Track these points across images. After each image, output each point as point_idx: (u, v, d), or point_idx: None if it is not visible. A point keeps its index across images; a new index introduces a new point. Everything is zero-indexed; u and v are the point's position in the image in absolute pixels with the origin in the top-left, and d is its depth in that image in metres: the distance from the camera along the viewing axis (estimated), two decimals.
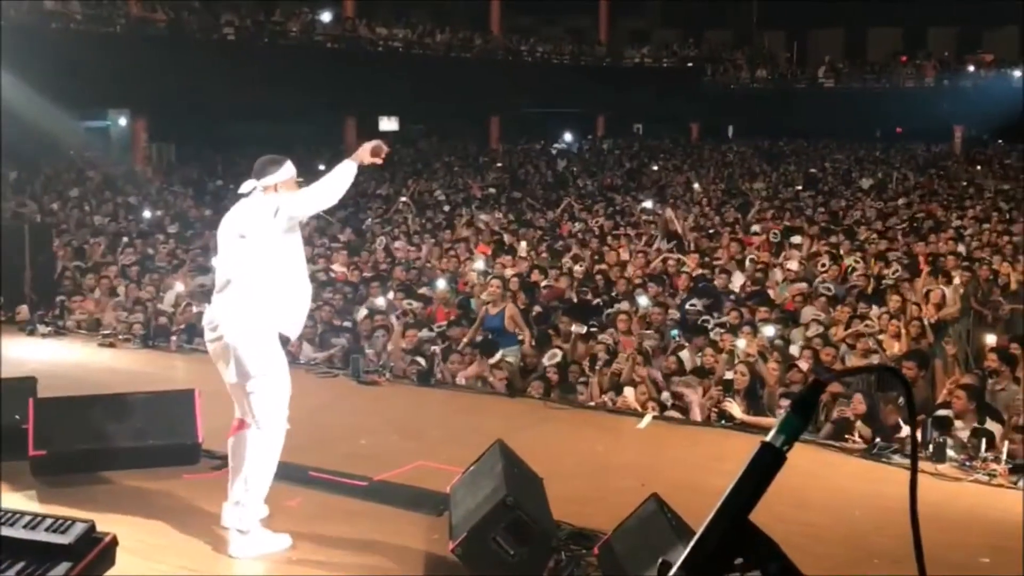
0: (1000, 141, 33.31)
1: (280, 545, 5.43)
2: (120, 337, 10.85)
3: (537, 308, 11.86)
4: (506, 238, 16.73)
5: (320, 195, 5.42)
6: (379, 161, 5.60)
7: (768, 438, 1.56)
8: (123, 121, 29.81)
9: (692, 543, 1.52)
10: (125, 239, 16.44)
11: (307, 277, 5.68)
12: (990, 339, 10.24)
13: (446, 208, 21.29)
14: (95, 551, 3.25)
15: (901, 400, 8.40)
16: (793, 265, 13.97)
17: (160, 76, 24.76)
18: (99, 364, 9.98)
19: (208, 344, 5.57)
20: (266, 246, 5.31)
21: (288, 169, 5.49)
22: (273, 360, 5.40)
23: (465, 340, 10.76)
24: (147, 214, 19.24)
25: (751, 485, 1.54)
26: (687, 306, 11.61)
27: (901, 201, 21.47)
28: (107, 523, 3.64)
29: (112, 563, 3.37)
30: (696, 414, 8.62)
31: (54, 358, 9.92)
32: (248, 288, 5.32)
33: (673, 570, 1.49)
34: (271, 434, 5.39)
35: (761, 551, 1.53)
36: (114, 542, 3.34)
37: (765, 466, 1.55)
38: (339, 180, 5.40)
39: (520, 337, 10.84)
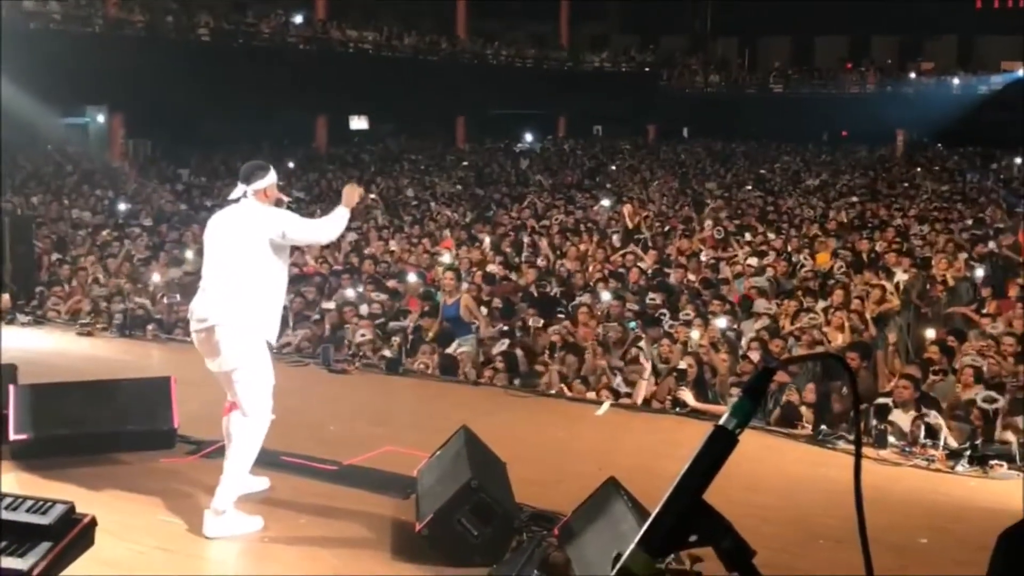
0: (939, 145, 33.64)
1: (253, 527, 5.42)
2: (98, 326, 10.75)
3: (496, 302, 11.86)
4: (471, 233, 16.72)
5: (321, 231, 5.84)
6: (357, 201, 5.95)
7: (721, 421, 1.57)
8: (101, 118, 29.50)
9: (649, 520, 1.53)
10: (103, 232, 16.27)
11: (286, 286, 5.85)
12: (930, 332, 10.37)
13: (414, 204, 21.23)
14: (74, 531, 3.22)
15: (845, 390, 8.50)
16: (745, 261, 14.06)
17: (137, 75, 24.55)
18: (78, 352, 9.88)
19: (194, 334, 5.63)
20: (259, 252, 5.45)
21: (272, 175, 5.66)
22: (257, 352, 5.48)
23: (431, 333, 10.76)
24: (124, 207, 19.04)
25: (705, 465, 1.55)
26: (646, 300, 11.67)
27: (845, 200, 21.64)
28: (86, 505, 3.62)
29: (91, 543, 3.34)
30: (638, 398, 8.64)
31: (34, 346, 9.80)
32: (239, 286, 5.42)
33: (631, 546, 1.50)
34: (256, 422, 5.45)
35: (714, 528, 1.54)
36: (93, 523, 3.32)
37: (718, 447, 1.56)
38: (338, 222, 5.75)
39: (475, 325, 10.85)
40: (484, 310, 11.21)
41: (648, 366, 9.09)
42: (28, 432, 6.34)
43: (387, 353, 9.84)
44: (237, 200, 5.61)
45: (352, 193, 5.80)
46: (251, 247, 5.44)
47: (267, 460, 6.18)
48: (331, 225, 5.74)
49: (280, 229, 5.48)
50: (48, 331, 10.80)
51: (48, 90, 21.39)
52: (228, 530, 5.34)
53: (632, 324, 10.91)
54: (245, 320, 5.41)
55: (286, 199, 5.89)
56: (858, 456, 1.70)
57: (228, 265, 5.47)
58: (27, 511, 3.22)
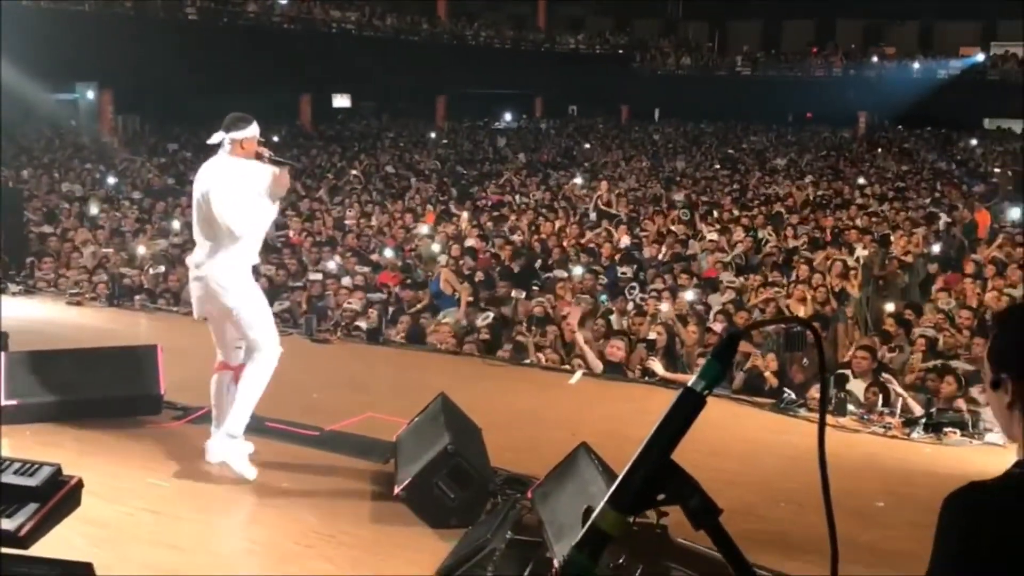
0: (900, 127, 33.78)
1: (248, 475, 5.53)
2: (87, 296, 10.64)
3: (479, 274, 11.85)
4: (451, 208, 16.67)
5: (235, 221, 5.47)
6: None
7: (690, 383, 1.56)
8: (91, 94, 29.21)
9: (619, 479, 1.52)
10: (92, 204, 16.12)
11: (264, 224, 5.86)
12: (888, 306, 10.43)
13: (395, 181, 21.13)
14: (61, 493, 3.19)
15: (806, 361, 8.56)
16: (712, 236, 14.10)
17: (126, 52, 24.39)
18: (67, 321, 9.78)
19: (192, 282, 5.73)
20: (228, 201, 5.45)
21: (254, 128, 5.62)
22: (251, 289, 5.65)
23: (420, 305, 10.76)
24: (112, 181, 18.86)
25: (674, 426, 1.54)
26: (618, 273, 11.67)
27: (809, 179, 21.71)
28: (73, 467, 3.57)
29: (78, 504, 3.31)
30: (595, 365, 8.63)
31: (24, 315, 9.69)
32: (217, 235, 5.50)
33: (602, 504, 1.50)
34: (268, 353, 5.61)
35: (682, 487, 1.53)
36: (79, 484, 3.29)
37: (687, 408, 1.55)
38: (260, 216, 5.65)
39: (457, 298, 10.83)
40: (466, 284, 11.19)
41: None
42: (18, 398, 6.28)
43: (362, 325, 9.81)
44: (217, 147, 5.63)
45: (282, 180, 5.69)
46: (219, 198, 5.44)
47: (252, 426, 6.14)
48: (247, 219, 5.53)
49: (207, 189, 5.47)
50: (38, 300, 10.67)
51: (39, 67, 21.12)
52: (232, 458, 5.55)
53: (603, 297, 10.93)
54: (229, 264, 5.53)
55: (267, 154, 5.71)
56: (822, 415, 1.71)
57: (205, 217, 5.53)
58: (15, 473, 3.19)
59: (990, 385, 1.70)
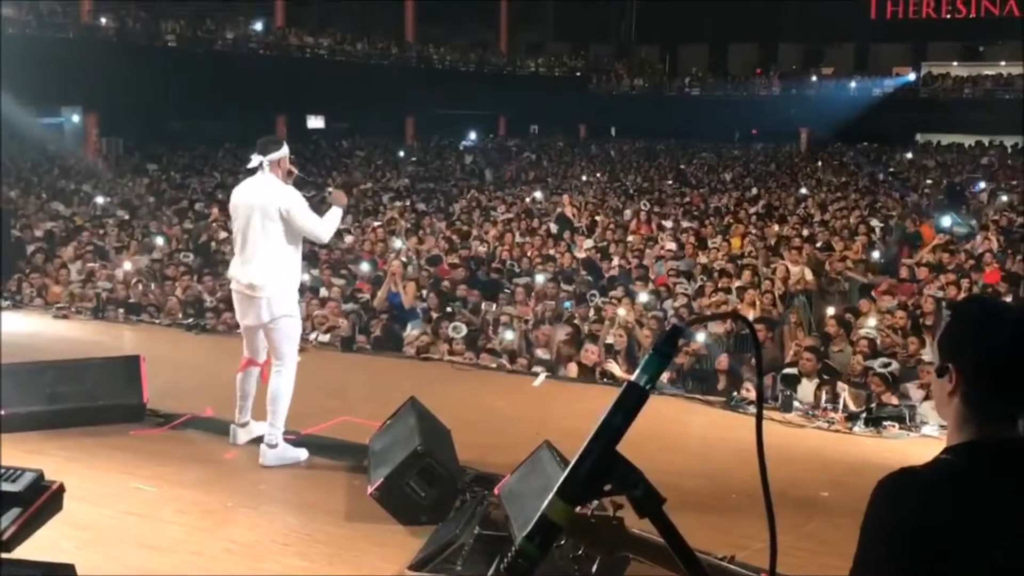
0: (839, 142, 34.12)
1: (300, 455, 5.82)
2: (73, 310, 10.50)
3: (445, 283, 11.81)
4: (420, 223, 16.61)
5: (320, 228, 5.81)
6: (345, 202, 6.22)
7: (633, 378, 1.56)
8: (76, 118, 28.92)
9: (567, 471, 1.51)
10: (78, 222, 15.93)
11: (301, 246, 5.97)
12: (830, 309, 10.50)
13: (368, 197, 21.04)
14: (43, 497, 3.13)
15: (753, 360, 8.60)
16: (670, 245, 14.15)
17: (109, 77, 24.25)
18: (53, 334, 9.63)
19: (235, 294, 5.87)
20: (278, 220, 5.61)
21: (285, 149, 5.80)
22: (293, 306, 5.83)
23: (376, 303, 10.74)
24: (98, 200, 18.64)
25: (619, 419, 1.53)
26: (579, 281, 11.68)
27: (756, 192, 21.86)
28: (60, 474, 3.50)
29: (59, 508, 3.25)
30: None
31: (12, 329, 9.53)
32: (269, 252, 5.62)
33: (551, 495, 1.48)
34: (290, 367, 5.79)
35: (627, 477, 1.53)
36: (61, 489, 3.23)
37: (631, 401, 1.54)
38: (333, 223, 5.92)
39: (423, 308, 10.79)
40: (430, 294, 11.12)
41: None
42: (5, 408, 6.17)
43: (342, 332, 9.74)
44: (255, 170, 5.70)
45: (340, 196, 6.07)
46: (271, 216, 5.58)
47: (229, 430, 6.12)
48: (328, 225, 5.86)
49: (288, 207, 5.59)
50: (25, 314, 10.51)
51: (26, 92, 20.91)
52: (281, 459, 5.73)
53: (567, 304, 10.92)
54: (280, 281, 5.65)
55: (295, 171, 5.92)
56: (759, 406, 1.72)
57: (256, 233, 5.62)
58: None
59: (935, 371, 1.69)
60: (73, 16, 25.77)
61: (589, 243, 14.56)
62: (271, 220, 5.59)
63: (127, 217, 16.96)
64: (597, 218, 17.11)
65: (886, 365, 8.08)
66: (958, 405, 1.65)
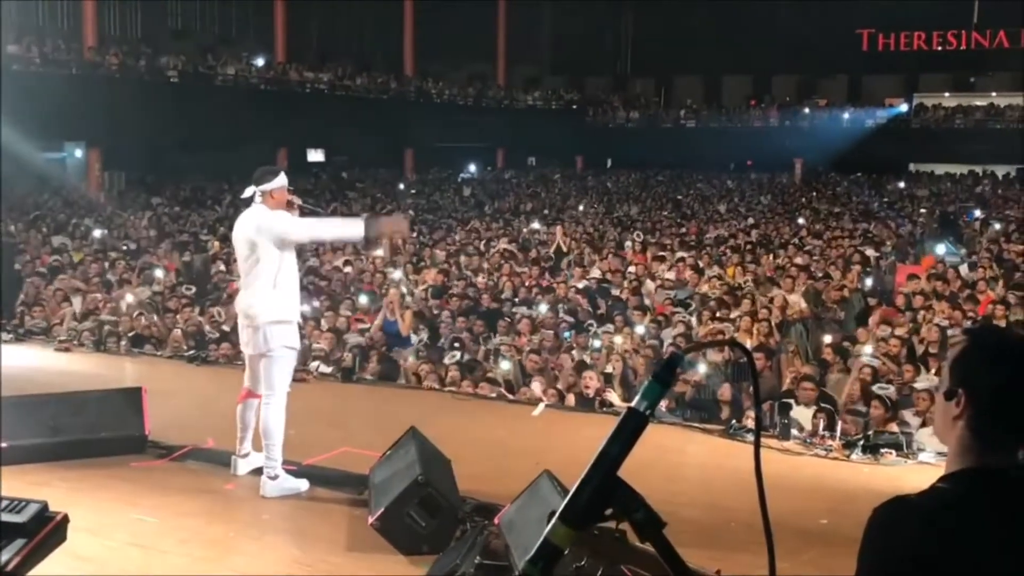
0: (832, 172, 34.26)
1: (300, 486, 5.76)
2: (74, 342, 10.49)
3: (446, 314, 11.82)
4: (420, 255, 16.63)
5: (319, 229, 5.89)
6: (395, 241, 6.11)
7: (633, 404, 1.56)
8: (79, 152, 28.99)
9: (569, 496, 1.52)
10: (81, 256, 15.94)
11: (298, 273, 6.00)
12: (827, 337, 10.50)
13: None
14: (47, 528, 3.12)
15: (752, 389, 8.57)
16: (667, 275, 14.16)
17: (112, 113, 24.39)
18: (55, 367, 9.61)
19: (240, 325, 5.86)
20: (270, 252, 5.57)
21: (281, 179, 5.70)
22: (290, 338, 5.74)
23: (370, 332, 10.73)
24: (100, 233, 18.67)
25: (619, 444, 1.54)
26: (578, 311, 11.68)
27: (751, 221, 21.91)
28: (62, 505, 3.50)
29: (63, 539, 3.24)
30: (537, 392, 8.72)
31: (14, 362, 9.51)
32: (264, 284, 5.59)
33: (553, 519, 1.49)
34: (279, 399, 5.74)
35: (628, 502, 1.53)
36: (65, 520, 3.22)
37: (631, 427, 1.55)
38: (337, 227, 6.00)
39: (419, 338, 10.79)
40: (424, 327, 11.14)
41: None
42: (8, 440, 6.15)
43: (343, 363, 9.73)
44: (250, 200, 5.67)
45: (389, 225, 6.22)
46: (262, 248, 5.54)
47: (232, 461, 6.10)
48: (329, 226, 5.88)
49: (269, 225, 5.55)
50: (28, 347, 10.49)
51: (29, 127, 20.99)
52: (281, 490, 5.70)
53: (567, 334, 10.92)
54: (275, 310, 5.60)
55: (298, 201, 5.85)
56: (757, 434, 1.72)
57: (250, 263, 5.62)
58: (3, 510, 3.12)
59: (944, 394, 1.67)
60: (76, 52, 25.92)
61: (596, 272, 14.59)
62: (262, 249, 5.55)
63: (129, 248, 16.97)
64: (587, 249, 17.11)
65: (885, 388, 8.08)
66: (962, 430, 1.64)
